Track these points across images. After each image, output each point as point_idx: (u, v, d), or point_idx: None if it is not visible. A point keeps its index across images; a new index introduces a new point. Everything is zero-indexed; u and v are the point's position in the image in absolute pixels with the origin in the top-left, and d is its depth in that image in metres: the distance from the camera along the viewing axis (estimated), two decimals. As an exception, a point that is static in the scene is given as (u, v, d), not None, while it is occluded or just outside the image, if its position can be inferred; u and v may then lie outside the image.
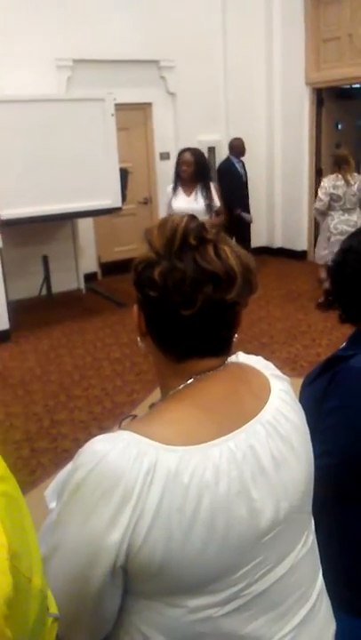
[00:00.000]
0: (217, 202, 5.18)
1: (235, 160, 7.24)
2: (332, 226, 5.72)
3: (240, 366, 0.99)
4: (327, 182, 5.72)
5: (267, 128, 8.05)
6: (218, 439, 0.84)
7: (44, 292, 6.50)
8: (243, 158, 7.26)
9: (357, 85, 7.49)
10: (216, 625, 0.85)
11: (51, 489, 0.93)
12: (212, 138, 7.69)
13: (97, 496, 0.78)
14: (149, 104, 7.23)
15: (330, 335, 5.12)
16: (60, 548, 0.82)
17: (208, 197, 5.01)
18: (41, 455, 3.55)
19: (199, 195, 4.99)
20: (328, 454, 1.33)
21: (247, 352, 1.01)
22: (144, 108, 7.25)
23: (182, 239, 0.87)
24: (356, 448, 1.34)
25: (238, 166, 7.29)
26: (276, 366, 1.10)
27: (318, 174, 8.01)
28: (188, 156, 4.97)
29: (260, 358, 1.06)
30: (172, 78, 7.23)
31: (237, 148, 7.23)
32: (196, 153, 5.06)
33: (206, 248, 0.87)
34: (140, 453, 0.79)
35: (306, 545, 0.97)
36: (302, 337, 5.32)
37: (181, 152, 5.11)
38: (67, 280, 6.83)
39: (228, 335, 0.93)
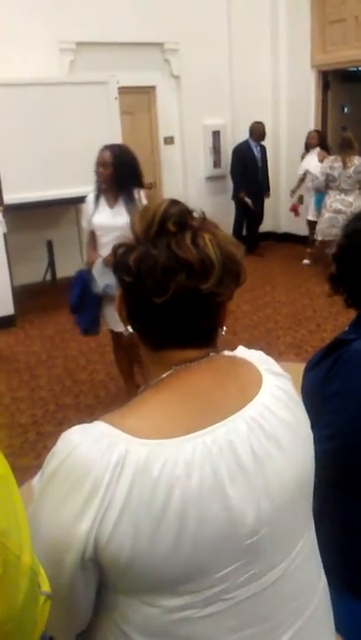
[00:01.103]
0: None
1: (253, 144, 7.22)
2: (328, 204, 6.09)
3: (230, 360, 0.97)
4: (325, 162, 6.17)
5: (272, 112, 7.98)
6: (193, 433, 0.81)
7: (48, 277, 6.51)
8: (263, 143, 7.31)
9: (364, 68, 7.40)
10: (197, 628, 0.82)
11: (37, 478, 0.91)
12: (217, 122, 7.63)
13: (68, 486, 0.79)
14: (153, 87, 7.17)
15: (335, 320, 5.11)
16: (35, 536, 0.80)
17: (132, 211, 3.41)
18: (47, 439, 3.58)
19: (122, 207, 3.48)
20: (331, 438, 1.34)
21: (253, 337, 1.00)
22: (148, 92, 7.19)
23: (160, 225, 0.85)
24: (357, 430, 1.35)
25: (256, 150, 7.28)
26: (281, 351, 1.09)
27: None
28: (106, 155, 3.47)
29: (260, 353, 1.02)
30: (177, 61, 7.16)
31: (257, 131, 7.24)
32: (116, 151, 3.51)
33: (184, 235, 0.85)
34: (110, 445, 0.79)
35: (302, 553, 0.92)
36: (307, 322, 5.32)
37: (101, 149, 3.56)
38: (71, 265, 6.80)
39: (207, 326, 0.91)
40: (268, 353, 1.05)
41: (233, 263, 0.87)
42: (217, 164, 7.70)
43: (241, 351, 1.01)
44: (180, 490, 0.78)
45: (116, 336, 3.78)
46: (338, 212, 5.91)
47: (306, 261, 7.10)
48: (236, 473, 0.82)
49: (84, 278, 3.72)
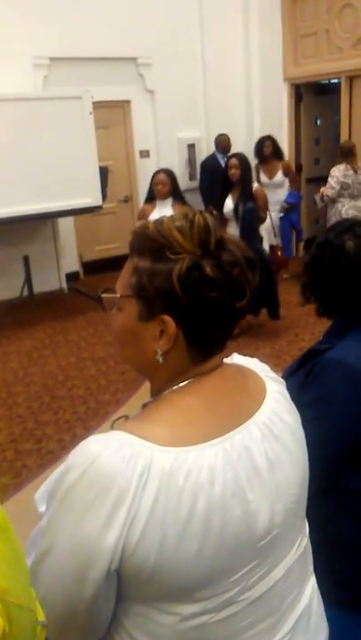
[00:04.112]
0: None
1: (220, 156, 7.25)
2: (343, 211, 6.11)
3: (237, 367, 0.99)
4: (338, 172, 6.10)
5: (246, 124, 8.05)
6: (213, 440, 0.82)
7: (25, 292, 6.45)
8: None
9: (335, 80, 7.51)
10: (210, 632, 0.83)
11: (41, 492, 0.91)
12: (192, 135, 7.68)
13: (91, 497, 0.77)
14: (128, 101, 7.20)
15: (313, 330, 5.14)
16: (52, 550, 0.80)
17: None
18: (26, 457, 3.52)
19: None
20: (307, 448, 1.34)
21: (233, 349, 1.00)
22: (123, 106, 7.22)
23: (215, 235, 0.86)
24: (333, 440, 1.35)
25: (223, 162, 7.29)
26: (261, 362, 1.10)
27: (298, 170, 8.04)
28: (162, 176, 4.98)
29: (256, 360, 1.05)
30: (151, 75, 7.20)
31: (223, 143, 7.25)
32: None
33: (226, 239, 0.88)
34: (134, 454, 0.78)
35: (299, 549, 0.96)
36: (285, 332, 5.34)
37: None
38: (48, 280, 6.79)
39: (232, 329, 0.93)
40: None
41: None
42: (192, 176, 7.74)
43: (238, 358, 1.03)
44: (204, 497, 0.79)
45: None
46: (354, 218, 5.95)
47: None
48: (253, 477, 0.85)
49: None
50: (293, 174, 6.73)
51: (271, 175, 6.57)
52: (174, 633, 0.82)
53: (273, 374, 1.03)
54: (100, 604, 0.81)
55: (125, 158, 7.42)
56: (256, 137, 8.08)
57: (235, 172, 4.98)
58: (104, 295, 0.95)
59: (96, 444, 0.80)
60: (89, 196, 5.99)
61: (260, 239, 5.11)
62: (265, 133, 7.94)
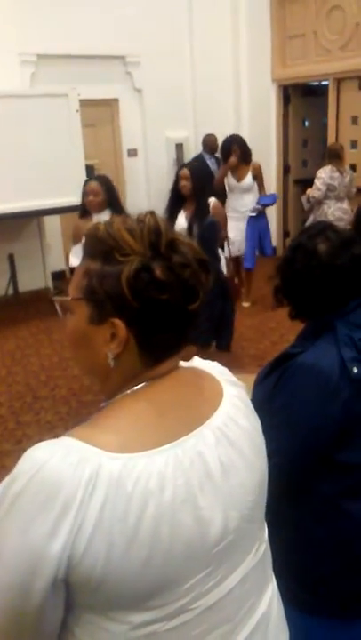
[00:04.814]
0: None
1: (207, 157, 7.23)
2: (329, 213, 6.08)
3: (193, 371, 0.97)
4: (324, 173, 6.06)
5: (234, 125, 8.04)
6: (165, 446, 0.81)
7: (10, 291, 6.41)
8: (217, 155, 7.27)
9: (325, 82, 7.53)
10: None
11: None
12: (180, 134, 7.66)
13: (37, 505, 0.75)
14: (116, 100, 7.17)
15: (298, 331, 5.13)
16: None
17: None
18: (5, 458, 3.50)
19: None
20: (277, 453, 1.33)
21: (216, 349, 0.98)
22: (110, 104, 7.19)
23: (165, 236, 0.85)
24: (302, 446, 1.34)
25: (210, 162, 7.28)
26: (245, 363, 1.09)
27: (286, 171, 8.07)
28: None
29: (215, 363, 1.03)
30: (139, 74, 7.18)
31: (210, 144, 7.23)
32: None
33: (178, 240, 0.86)
34: (81, 460, 0.76)
35: (257, 555, 0.95)
36: (271, 333, 5.34)
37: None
38: (34, 279, 6.74)
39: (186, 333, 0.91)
40: (232, 365, 1.05)
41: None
42: (180, 176, 7.71)
43: (198, 362, 1.01)
44: (153, 504, 0.77)
45: None
46: (340, 219, 5.94)
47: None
48: (205, 483, 0.83)
49: None
50: (262, 178, 6.19)
51: (240, 178, 6.02)
52: None
53: (232, 378, 1.01)
54: (48, 613, 0.79)
55: (113, 157, 7.39)
56: (245, 138, 8.07)
57: (185, 185, 4.15)
58: (56, 298, 0.94)
59: (43, 450, 0.78)
60: (75, 194, 5.94)
61: (219, 259, 4.26)
62: (253, 134, 7.96)
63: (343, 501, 1.35)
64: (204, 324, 0.98)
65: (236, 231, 5.78)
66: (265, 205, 6.12)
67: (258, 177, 6.06)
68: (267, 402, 1.40)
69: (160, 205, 7.79)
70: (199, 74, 7.61)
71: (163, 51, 7.14)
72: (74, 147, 5.90)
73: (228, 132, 7.67)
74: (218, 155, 7.29)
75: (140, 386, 0.87)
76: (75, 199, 5.94)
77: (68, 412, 4.07)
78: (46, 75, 6.40)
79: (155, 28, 7.03)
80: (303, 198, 6.39)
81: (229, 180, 6.04)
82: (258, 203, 6.02)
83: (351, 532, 1.36)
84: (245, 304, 6.13)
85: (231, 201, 6.03)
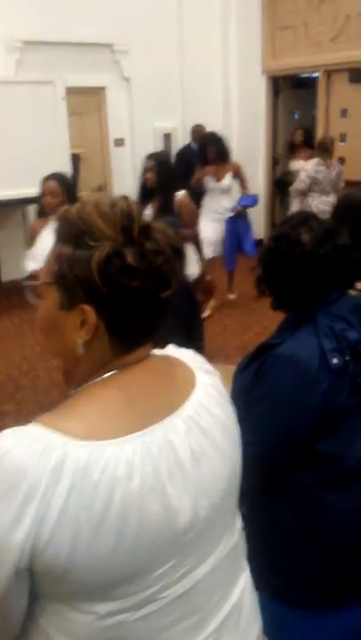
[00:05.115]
0: None
1: (196, 147, 7.17)
2: (313, 206, 6.03)
3: (166, 359, 0.95)
4: (310, 166, 6.10)
5: (223, 116, 8.00)
6: (133, 434, 0.79)
7: (-7, 280, 6.34)
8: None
9: (315, 74, 7.49)
10: (130, 631, 0.81)
11: None
12: (168, 125, 7.60)
13: (0, 493, 0.74)
14: (103, 88, 7.08)
15: (282, 324, 5.13)
16: None
17: None
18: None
19: None
20: (255, 443, 1.31)
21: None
22: (98, 93, 7.10)
23: (138, 221, 0.83)
24: (281, 436, 1.33)
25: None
26: (228, 354, 1.06)
27: (275, 163, 8.04)
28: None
29: (190, 352, 1.02)
30: (127, 63, 7.09)
31: (199, 134, 7.18)
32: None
33: (155, 228, 0.84)
34: (47, 448, 0.74)
35: (229, 543, 0.94)
36: (255, 325, 5.32)
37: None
38: (17, 268, 6.63)
39: (163, 318, 0.89)
40: (216, 356, 1.03)
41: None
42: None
43: (172, 350, 1.00)
44: (120, 492, 0.76)
45: None
46: (324, 212, 5.92)
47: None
48: (175, 472, 0.82)
49: None
50: (244, 177, 5.90)
51: (219, 178, 5.64)
52: (92, 632, 0.80)
53: (207, 366, 0.99)
54: (12, 602, 0.78)
55: (100, 146, 7.31)
56: (234, 129, 8.06)
57: (150, 177, 3.90)
58: (26, 283, 0.90)
59: (7, 438, 0.77)
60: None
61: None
62: (242, 125, 7.93)
63: (320, 492, 1.34)
64: (178, 329, 0.96)
65: (213, 232, 5.59)
66: (245, 206, 5.85)
67: (239, 176, 5.81)
68: (246, 392, 1.39)
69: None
70: (188, 64, 7.54)
71: (152, 40, 7.07)
72: (59, 135, 5.83)
73: (217, 123, 7.66)
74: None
75: (110, 373, 0.86)
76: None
77: (50, 403, 4.00)
78: (32, 61, 6.28)
79: (144, 17, 6.95)
80: (292, 190, 6.40)
81: (208, 181, 5.69)
82: (238, 203, 5.77)
83: (327, 523, 1.35)
84: (231, 296, 6.12)
85: (209, 202, 5.73)
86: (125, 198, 0.85)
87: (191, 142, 7.27)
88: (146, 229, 0.83)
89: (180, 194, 4.00)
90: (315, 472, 1.33)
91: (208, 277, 4.46)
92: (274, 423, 1.33)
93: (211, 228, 5.48)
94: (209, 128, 7.28)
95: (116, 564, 0.77)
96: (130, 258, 0.80)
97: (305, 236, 1.37)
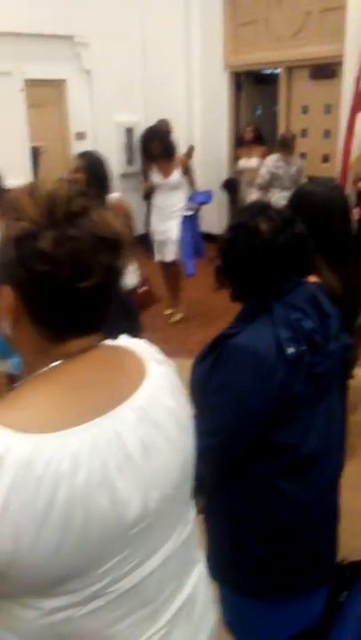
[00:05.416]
0: None
1: None
2: (273, 201, 6.01)
3: (115, 348, 0.93)
4: (270, 161, 6.12)
5: (186, 111, 7.98)
6: (80, 426, 0.77)
7: None
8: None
9: (277, 71, 7.53)
10: (78, 625, 0.79)
11: None
12: (130, 119, 7.53)
13: None
14: (63, 81, 6.96)
15: (245, 318, 5.15)
16: None
17: None
18: None
19: None
20: (212, 433, 1.32)
21: (165, 335, 0.94)
22: (58, 85, 6.99)
23: (66, 205, 0.79)
24: (239, 426, 1.33)
25: None
26: (191, 349, 1.04)
27: (237, 158, 8.05)
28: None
29: (142, 341, 1.00)
30: (88, 55, 6.99)
31: (164, 129, 7.16)
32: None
33: (91, 214, 0.81)
34: None
35: (182, 535, 0.93)
36: (219, 319, 5.32)
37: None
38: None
39: (106, 310, 0.86)
40: (180, 350, 1.01)
41: (127, 242, 0.85)
42: (130, 160, 7.61)
43: (124, 340, 0.98)
44: (65, 487, 0.73)
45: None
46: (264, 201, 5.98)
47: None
48: (124, 464, 0.80)
49: None
50: (192, 173, 5.44)
51: (166, 174, 5.17)
52: (39, 628, 0.78)
53: (160, 356, 0.98)
54: None
55: (60, 139, 7.20)
56: (196, 124, 8.04)
57: (79, 178, 3.56)
58: None
59: None
60: (18, 176, 5.76)
61: None
62: (205, 120, 7.91)
63: (276, 481, 1.34)
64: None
65: (162, 233, 5.21)
66: (201, 203, 5.40)
67: (187, 172, 5.32)
68: (205, 383, 1.38)
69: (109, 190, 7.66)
70: (150, 58, 7.49)
71: (113, 33, 6.98)
72: (18, 127, 5.73)
73: (181, 118, 7.64)
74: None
75: (54, 364, 0.83)
76: (18, 182, 5.79)
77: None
78: (-10, 52, 6.15)
79: (105, 10, 6.86)
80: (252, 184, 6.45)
81: (155, 178, 5.27)
82: (192, 200, 5.26)
83: (284, 513, 1.36)
84: (176, 317, 5.45)
85: (157, 199, 5.32)
86: (67, 182, 0.82)
87: None
88: (73, 215, 0.80)
89: (114, 196, 3.65)
90: (271, 461, 1.34)
91: (143, 289, 3.92)
92: (232, 413, 1.33)
93: (160, 229, 5.19)
94: (173, 123, 7.27)
95: (61, 561, 0.74)
96: (43, 242, 0.77)
97: (263, 225, 1.36)
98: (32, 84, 6.00)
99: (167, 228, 5.19)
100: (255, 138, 7.09)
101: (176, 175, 5.18)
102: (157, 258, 5.32)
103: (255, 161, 6.80)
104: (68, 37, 6.80)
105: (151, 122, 7.41)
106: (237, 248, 1.39)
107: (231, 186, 7.68)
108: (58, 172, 7.23)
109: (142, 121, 7.60)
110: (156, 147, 5.18)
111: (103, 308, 0.86)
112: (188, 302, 5.78)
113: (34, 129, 5.97)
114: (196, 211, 5.30)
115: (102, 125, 7.33)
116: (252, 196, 6.31)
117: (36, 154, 6.02)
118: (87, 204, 0.81)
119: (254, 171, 6.57)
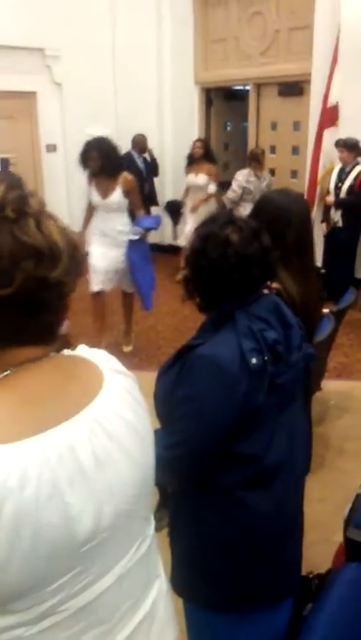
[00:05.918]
0: None
1: (136, 156, 7.18)
2: (244, 215, 5.99)
3: (70, 359, 0.90)
4: (241, 176, 6.26)
5: (157, 125, 8.02)
6: (29, 438, 0.74)
7: None
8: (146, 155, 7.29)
9: (247, 87, 7.63)
10: None
11: None
12: (102, 132, 7.47)
13: None
14: (34, 93, 6.97)
15: (215, 331, 5.16)
16: None
17: None
18: None
19: None
20: (178, 445, 1.30)
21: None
22: (28, 97, 6.98)
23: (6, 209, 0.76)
24: (203, 437, 1.31)
25: (139, 162, 7.24)
26: (161, 361, 1.01)
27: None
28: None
29: (102, 352, 0.97)
30: (59, 68, 7.02)
31: (140, 143, 7.21)
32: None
33: (27, 221, 0.77)
34: None
35: (139, 551, 0.90)
36: (189, 333, 5.27)
37: None
38: None
39: (50, 320, 0.83)
40: (149, 363, 0.98)
41: (76, 251, 0.82)
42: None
43: (83, 350, 0.95)
44: (12, 503, 0.70)
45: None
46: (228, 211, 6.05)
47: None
48: (76, 478, 0.77)
49: None
50: (137, 194, 4.74)
51: (105, 194, 4.49)
52: None
53: (120, 367, 0.95)
54: None
55: (31, 152, 7.17)
56: (167, 139, 8.09)
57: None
58: None
59: None
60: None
61: None
62: (176, 134, 7.96)
63: (240, 493, 1.33)
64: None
65: (102, 260, 4.54)
66: (148, 229, 4.72)
67: (131, 193, 4.56)
68: (169, 394, 1.36)
69: (80, 204, 7.68)
70: (121, 72, 7.54)
71: (84, 46, 7.03)
72: (-13, 138, 5.67)
73: (151, 132, 7.66)
74: (147, 155, 7.28)
75: (2, 374, 0.80)
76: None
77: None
78: None
79: (76, 23, 6.90)
80: (225, 199, 6.50)
81: (92, 197, 4.60)
82: (138, 224, 4.61)
83: (248, 524, 1.34)
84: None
85: (97, 222, 4.64)
86: (7, 188, 0.78)
87: (131, 151, 7.27)
88: (3, 220, 0.76)
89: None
90: (234, 473, 1.32)
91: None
92: (197, 425, 1.31)
93: (99, 255, 4.54)
94: (147, 137, 7.30)
95: (9, 578, 0.72)
96: None
97: (234, 236, 1.35)
98: (2, 95, 5.97)
99: (106, 254, 4.55)
100: (204, 155, 6.68)
101: (116, 195, 4.47)
102: (95, 288, 4.60)
103: (203, 178, 6.49)
104: (40, 50, 6.82)
105: (122, 135, 7.42)
106: (209, 258, 1.38)
107: (173, 208, 7.54)
108: (29, 183, 7.20)
109: (114, 134, 7.58)
110: (93, 161, 4.46)
111: (48, 318, 0.82)
112: (158, 316, 5.77)
113: (3, 140, 5.93)
114: (143, 236, 4.64)
115: (73, 138, 7.28)
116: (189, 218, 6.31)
117: (5, 165, 5.97)
118: (28, 211, 0.78)
119: (200, 188, 6.50)
